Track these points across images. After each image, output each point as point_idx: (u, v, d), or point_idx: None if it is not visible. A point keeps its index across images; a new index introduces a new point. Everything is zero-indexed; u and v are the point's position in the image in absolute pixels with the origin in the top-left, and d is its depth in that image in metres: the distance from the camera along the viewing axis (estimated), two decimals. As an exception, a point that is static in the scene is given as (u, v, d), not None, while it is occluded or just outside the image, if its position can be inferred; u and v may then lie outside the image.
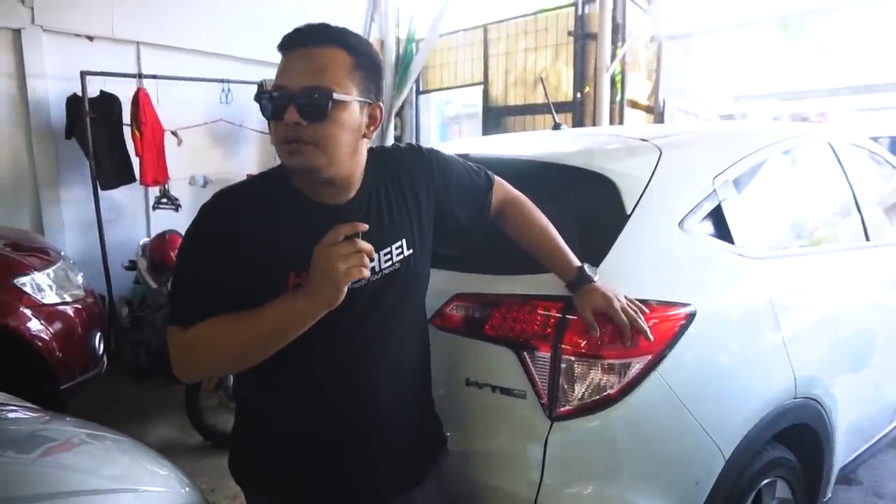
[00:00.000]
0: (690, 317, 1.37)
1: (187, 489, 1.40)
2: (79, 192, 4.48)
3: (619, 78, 5.50)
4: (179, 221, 4.38)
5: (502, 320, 1.37)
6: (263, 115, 1.07)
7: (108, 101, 4.32)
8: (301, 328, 1.03)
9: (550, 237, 1.35)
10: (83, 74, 4.11)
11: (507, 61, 6.14)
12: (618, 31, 5.37)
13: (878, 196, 2.44)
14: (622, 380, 1.29)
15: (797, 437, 1.69)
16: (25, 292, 2.76)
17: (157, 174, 4.47)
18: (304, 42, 1.04)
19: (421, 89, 6.96)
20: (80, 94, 4.15)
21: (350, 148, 1.08)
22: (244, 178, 1.42)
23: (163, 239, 4.01)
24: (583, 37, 5.54)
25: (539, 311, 1.34)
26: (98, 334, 3.08)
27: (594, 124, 5.31)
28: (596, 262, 1.34)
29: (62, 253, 3.27)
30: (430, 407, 1.34)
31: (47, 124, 4.34)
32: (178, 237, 3.94)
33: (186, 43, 4.86)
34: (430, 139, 7.10)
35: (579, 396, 1.29)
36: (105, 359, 3.16)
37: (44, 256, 3.04)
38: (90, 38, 4.48)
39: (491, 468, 1.39)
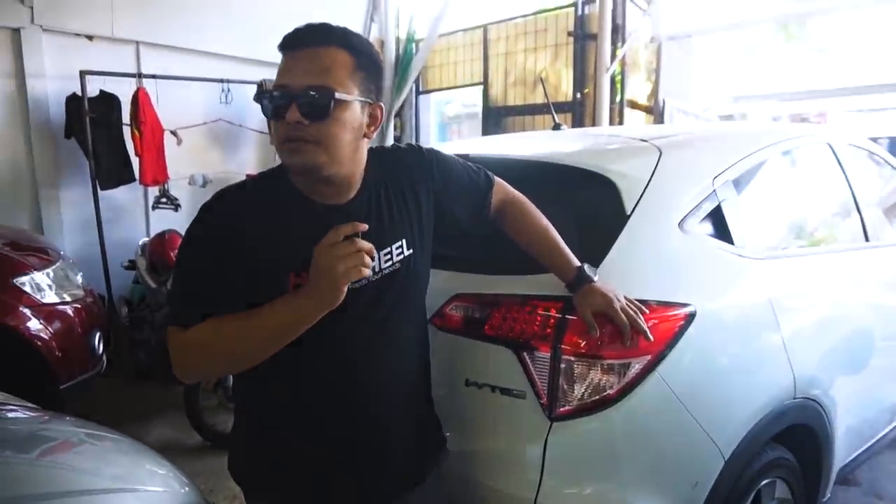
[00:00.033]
0: (690, 317, 1.37)
1: (186, 489, 1.40)
2: (78, 192, 4.47)
3: (618, 78, 5.50)
4: (179, 221, 4.38)
5: (502, 320, 1.37)
6: (264, 114, 1.07)
7: (107, 101, 4.32)
8: (301, 328, 1.03)
9: (550, 237, 1.35)
10: (82, 74, 4.11)
11: (506, 61, 6.14)
12: (617, 32, 5.37)
13: (877, 196, 2.44)
14: (622, 380, 1.29)
15: (796, 437, 1.69)
16: (25, 292, 2.76)
17: (157, 174, 4.47)
18: (305, 42, 1.05)
19: (421, 89, 6.96)
20: (79, 93, 4.16)
21: (351, 147, 1.08)
22: (244, 177, 1.42)
23: (162, 239, 4.01)
24: (583, 37, 5.54)
25: (539, 312, 1.34)
26: (97, 334, 3.08)
27: (594, 125, 5.31)
28: (596, 263, 1.34)
29: (62, 252, 3.27)
30: (429, 407, 1.34)
31: (47, 124, 4.34)
32: (178, 237, 3.94)
33: (186, 43, 4.86)
34: (430, 139, 7.10)
35: (579, 397, 1.29)
36: (104, 358, 3.16)
37: (43, 256, 3.04)
38: (90, 38, 4.48)
39: (490, 468, 1.39)
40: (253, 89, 4.72)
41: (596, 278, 1.29)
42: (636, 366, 1.29)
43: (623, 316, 1.25)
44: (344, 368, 1.14)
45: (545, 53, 5.84)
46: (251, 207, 1.10)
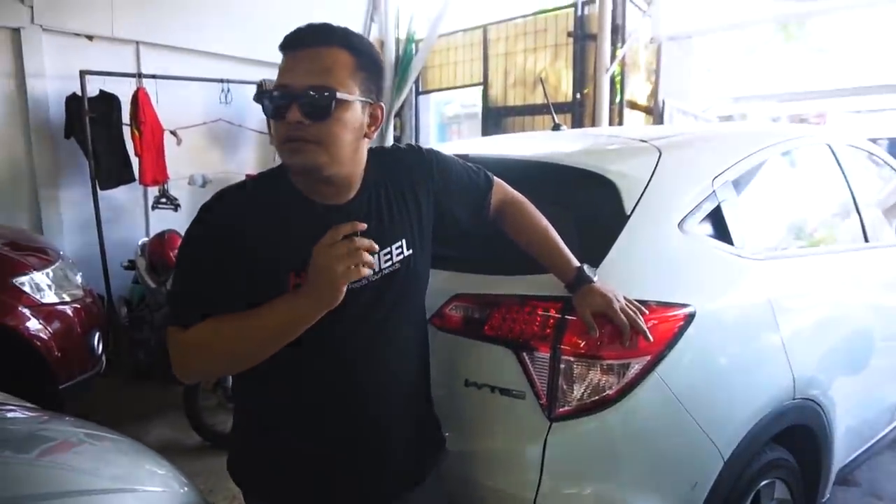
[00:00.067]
0: (689, 318, 1.37)
1: (186, 489, 1.40)
2: (78, 192, 4.47)
3: (618, 79, 5.50)
4: (178, 221, 4.38)
5: (502, 321, 1.37)
6: (265, 114, 1.07)
7: (107, 101, 4.32)
8: (300, 328, 1.03)
9: (550, 238, 1.35)
10: (82, 74, 4.11)
11: (506, 62, 6.15)
12: (617, 32, 5.37)
13: (876, 197, 2.45)
14: (621, 380, 1.29)
15: (796, 438, 1.69)
16: (24, 292, 2.76)
17: (157, 174, 4.47)
18: (307, 42, 1.05)
19: (420, 90, 6.96)
20: (79, 93, 4.15)
21: (352, 147, 1.08)
22: (243, 178, 1.42)
23: (162, 239, 4.01)
24: (582, 37, 5.55)
25: (538, 312, 1.34)
26: (97, 334, 3.08)
27: (594, 125, 5.31)
28: (595, 263, 1.34)
29: (61, 252, 3.26)
30: (429, 407, 1.34)
31: (46, 124, 4.34)
32: (177, 237, 3.94)
33: (186, 43, 4.86)
34: (430, 140, 7.10)
35: (578, 397, 1.29)
36: (104, 358, 3.16)
37: (43, 256, 3.04)
38: (90, 38, 4.48)
39: (490, 468, 1.39)
40: (253, 89, 4.72)
41: (595, 279, 1.29)
42: (635, 366, 1.29)
43: (622, 316, 1.25)
44: (344, 368, 1.14)
45: (545, 54, 5.85)
46: (251, 208, 1.10)
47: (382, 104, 1.13)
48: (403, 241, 1.19)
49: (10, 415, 1.57)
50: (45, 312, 2.80)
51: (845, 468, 2.08)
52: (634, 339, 1.27)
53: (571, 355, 1.29)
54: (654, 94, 5.95)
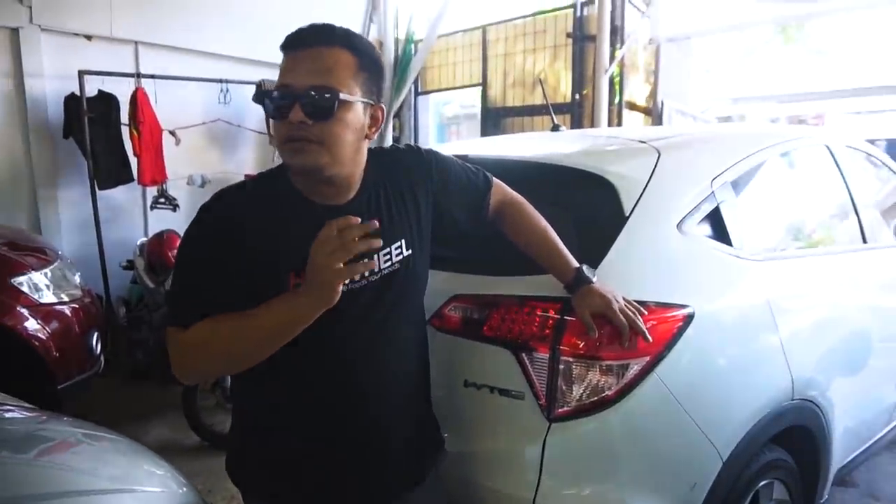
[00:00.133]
0: (688, 318, 1.37)
1: (184, 489, 1.39)
2: (76, 192, 4.47)
3: (617, 80, 5.51)
4: (177, 221, 4.38)
5: (501, 321, 1.37)
6: (267, 114, 1.07)
7: (106, 101, 4.31)
8: (299, 328, 1.03)
9: (549, 238, 1.35)
10: (81, 74, 4.11)
11: (505, 62, 6.15)
12: (616, 33, 5.38)
13: (874, 198, 2.45)
14: (620, 381, 1.29)
15: (794, 439, 1.69)
16: (23, 292, 2.75)
17: (155, 174, 4.47)
18: (308, 42, 1.04)
19: (419, 90, 6.96)
20: (77, 93, 4.15)
21: (353, 148, 1.08)
22: (242, 178, 1.42)
23: (160, 239, 4.01)
24: (581, 38, 5.55)
25: (537, 313, 1.34)
26: (95, 334, 3.08)
27: (593, 126, 5.32)
28: (594, 264, 1.34)
29: (59, 252, 3.26)
30: (428, 408, 1.34)
31: (45, 124, 4.33)
32: (176, 237, 3.94)
33: (185, 43, 4.85)
34: (429, 140, 7.10)
35: (577, 398, 1.29)
36: (102, 359, 3.15)
37: (41, 256, 3.04)
38: (88, 38, 4.48)
39: (489, 469, 1.39)
40: (252, 89, 4.73)
41: (594, 279, 1.29)
42: (634, 367, 1.30)
43: (622, 317, 1.25)
44: (343, 369, 1.14)
45: (544, 54, 5.85)
46: (250, 208, 1.10)
47: (383, 105, 1.13)
48: (403, 241, 1.19)
49: (8, 415, 1.56)
50: (44, 312, 2.80)
51: (843, 469, 2.09)
52: (633, 340, 1.27)
53: (570, 356, 1.29)
54: (652, 94, 5.96)
